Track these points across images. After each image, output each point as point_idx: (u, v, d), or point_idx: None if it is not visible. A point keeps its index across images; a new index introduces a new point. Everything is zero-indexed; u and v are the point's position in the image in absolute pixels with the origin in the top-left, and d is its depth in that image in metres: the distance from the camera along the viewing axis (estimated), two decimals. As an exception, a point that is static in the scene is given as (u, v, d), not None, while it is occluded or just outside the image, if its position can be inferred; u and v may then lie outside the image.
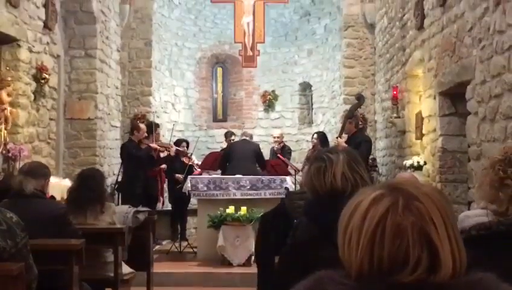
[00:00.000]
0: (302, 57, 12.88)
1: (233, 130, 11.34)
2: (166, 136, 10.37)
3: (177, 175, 9.57)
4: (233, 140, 10.09)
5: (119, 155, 9.45)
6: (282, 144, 10.40)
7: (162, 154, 9.29)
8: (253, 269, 7.40)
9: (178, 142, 9.91)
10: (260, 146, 9.35)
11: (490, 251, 1.74)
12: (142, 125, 9.27)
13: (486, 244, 1.78)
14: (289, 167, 9.58)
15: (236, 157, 8.76)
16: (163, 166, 9.35)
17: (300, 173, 8.16)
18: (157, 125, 9.83)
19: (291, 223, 2.74)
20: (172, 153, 9.29)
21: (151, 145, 8.90)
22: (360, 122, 9.37)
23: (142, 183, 8.82)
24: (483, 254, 1.54)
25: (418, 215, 1.09)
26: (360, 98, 8.67)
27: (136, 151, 8.72)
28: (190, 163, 9.55)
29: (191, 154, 9.73)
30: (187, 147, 9.93)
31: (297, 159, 11.71)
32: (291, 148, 10.86)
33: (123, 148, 9.03)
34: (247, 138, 9.27)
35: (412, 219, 1.09)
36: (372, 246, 1.09)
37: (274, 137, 10.57)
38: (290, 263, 2.14)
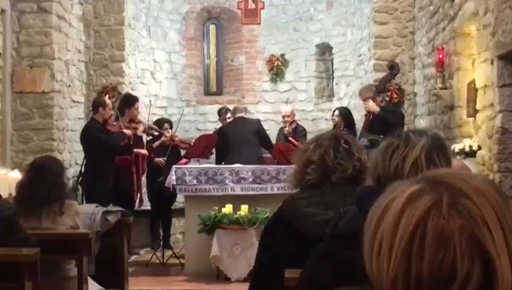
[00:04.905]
0: (320, 11, 12.81)
1: (231, 106, 11.34)
2: (144, 114, 10.37)
3: (156, 159, 9.61)
4: (229, 118, 10.08)
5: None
6: (294, 124, 10.37)
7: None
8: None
9: (158, 124, 9.93)
10: (261, 121, 9.54)
11: None
12: (109, 101, 9.27)
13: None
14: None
15: (232, 144, 8.78)
16: (144, 151, 9.35)
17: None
18: (136, 99, 9.74)
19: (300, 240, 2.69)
20: (139, 133, 9.28)
21: (125, 131, 8.88)
22: (396, 95, 9.37)
23: (113, 176, 8.85)
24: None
25: (467, 217, 1.09)
26: (393, 68, 8.67)
27: (102, 136, 8.72)
28: (174, 143, 9.58)
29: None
30: (170, 128, 9.96)
31: (314, 143, 11.69)
32: (306, 128, 10.85)
33: (86, 132, 9.00)
34: (242, 114, 9.32)
35: (459, 222, 1.09)
36: (409, 258, 1.09)
37: (284, 115, 10.53)
38: (322, 258, 2.13)
